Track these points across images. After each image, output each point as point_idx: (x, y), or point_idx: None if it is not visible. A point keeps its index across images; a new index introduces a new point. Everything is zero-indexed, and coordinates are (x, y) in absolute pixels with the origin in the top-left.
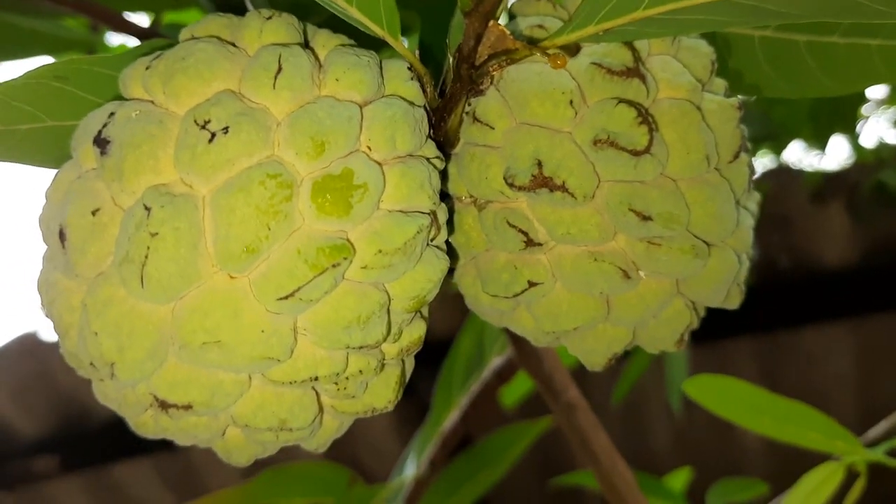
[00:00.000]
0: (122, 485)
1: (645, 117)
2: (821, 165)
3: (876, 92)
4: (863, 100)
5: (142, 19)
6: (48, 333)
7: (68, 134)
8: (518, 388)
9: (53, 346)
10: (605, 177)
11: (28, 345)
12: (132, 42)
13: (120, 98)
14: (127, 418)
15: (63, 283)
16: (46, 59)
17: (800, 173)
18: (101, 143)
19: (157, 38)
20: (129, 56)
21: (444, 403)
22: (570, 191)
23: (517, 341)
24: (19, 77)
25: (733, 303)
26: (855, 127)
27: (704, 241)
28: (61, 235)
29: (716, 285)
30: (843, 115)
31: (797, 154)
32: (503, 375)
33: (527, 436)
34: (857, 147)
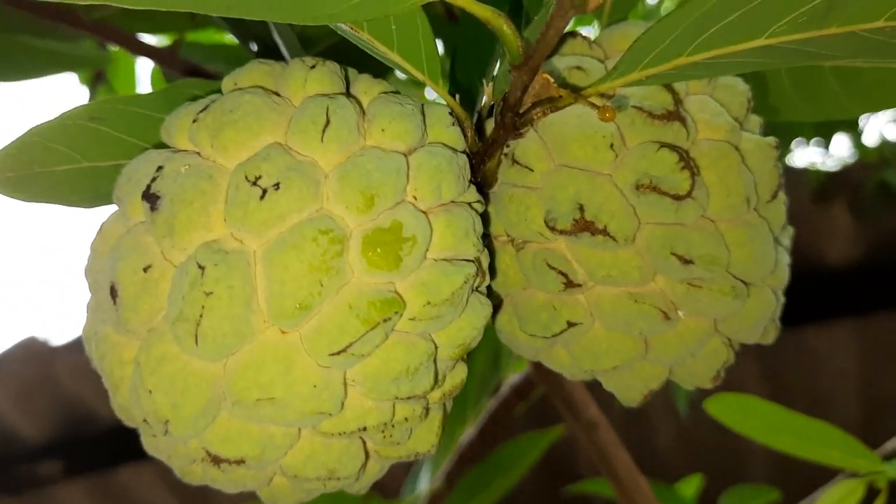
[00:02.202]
0: (126, 489)
1: (687, 161)
2: (823, 164)
3: None
4: None
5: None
6: (52, 338)
7: (104, 174)
8: None
9: (57, 351)
10: (645, 219)
11: (32, 349)
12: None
13: (159, 143)
14: (175, 468)
15: (113, 338)
16: (60, 77)
17: (803, 172)
18: (150, 198)
19: (190, 79)
20: (163, 96)
21: (458, 418)
22: (612, 234)
23: (536, 361)
24: (55, 118)
25: (769, 338)
26: (858, 126)
27: (743, 282)
28: (112, 292)
29: (754, 323)
30: None
31: (800, 153)
32: (521, 392)
33: (538, 445)
34: (859, 146)
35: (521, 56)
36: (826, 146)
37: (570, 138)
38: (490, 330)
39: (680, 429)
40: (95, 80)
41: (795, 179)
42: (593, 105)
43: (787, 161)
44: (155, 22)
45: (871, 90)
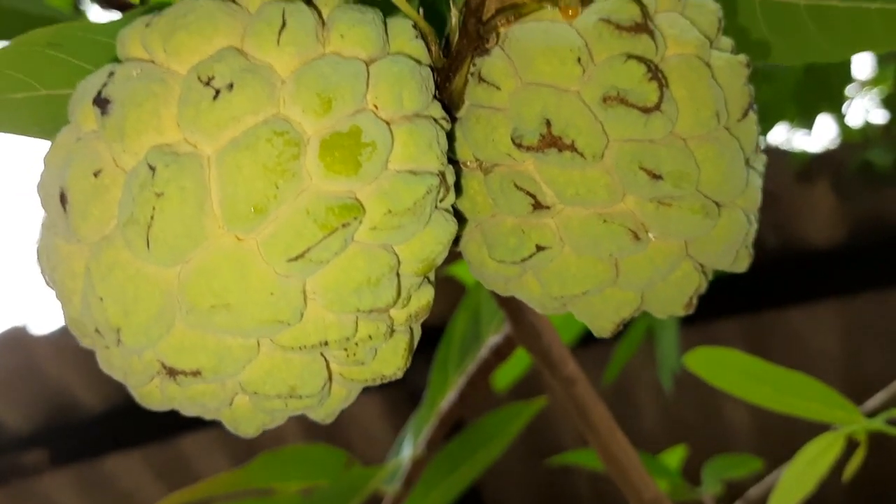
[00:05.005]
0: (112, 477)
1: (654, 73)
2: (807, 145)
3: (862, 72)
4: (849, 79)
5: None
6: (36, 327)
7: (63, 103)
8: (510, 372)
9: (41, 340)
10: (614, 136)
11: (16, 339)
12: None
13: (117, 62)
14: (132, 388)
15: (65, 249)
16: None
17: (786, 153)
18: (101, 102)
19: (151, 3)
20: (123, 22)
21: (440, 383)
22: (580, 150)
23: (515, 317)
24: (11, 44)
25: (742, 265)
26: (841, 106)
27: (714, 201)
28: (62, 199)
29: (725, 246)
30: (830, 95)
31: (783, 134)
32: (500, 352)
33: (522, 416)
34: (843, 126)
35: None
36: (809, 127)
37: (536, 53)
38: (471, 294)
39: (665, 409)
40: None
41: (779, 160)
42: (555, 5)
43: (770, 142)
44: None
45: (847, 31)
